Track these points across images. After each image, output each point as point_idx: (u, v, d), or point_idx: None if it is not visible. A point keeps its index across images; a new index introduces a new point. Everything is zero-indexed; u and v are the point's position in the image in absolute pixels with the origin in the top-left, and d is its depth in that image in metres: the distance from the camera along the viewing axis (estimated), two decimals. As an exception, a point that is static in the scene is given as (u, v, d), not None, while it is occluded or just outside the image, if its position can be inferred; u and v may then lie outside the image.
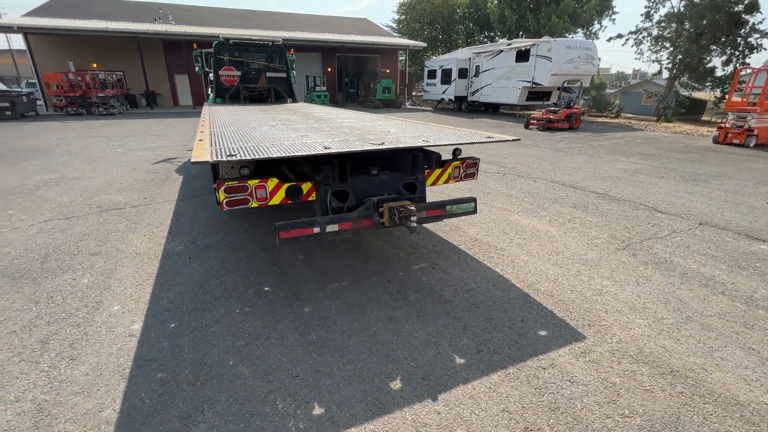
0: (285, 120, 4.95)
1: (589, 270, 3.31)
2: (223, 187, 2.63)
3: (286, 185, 2.85)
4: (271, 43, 9.96)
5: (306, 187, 2.94)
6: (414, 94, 34.70)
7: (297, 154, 2.49)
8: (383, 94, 24.12)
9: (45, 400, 1.90)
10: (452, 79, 21.10)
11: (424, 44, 29.47)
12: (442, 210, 3.06)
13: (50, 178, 6.50)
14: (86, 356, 2.21)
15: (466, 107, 21.37)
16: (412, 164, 3.09)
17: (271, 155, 2.44)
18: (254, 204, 2.77)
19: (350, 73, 29.09)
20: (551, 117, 13.25)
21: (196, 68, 10.76)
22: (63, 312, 2.64)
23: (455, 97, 21.41)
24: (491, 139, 3.23)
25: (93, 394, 1.94)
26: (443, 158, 3.48)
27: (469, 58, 20.59)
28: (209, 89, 10.96)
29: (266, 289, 2.98)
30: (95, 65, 20.67)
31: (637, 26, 25.46)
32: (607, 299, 2.86)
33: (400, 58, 30.33)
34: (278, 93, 9.91)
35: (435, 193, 5.39)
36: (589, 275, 3.22)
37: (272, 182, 2.79)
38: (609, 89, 32.96)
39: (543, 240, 3.95)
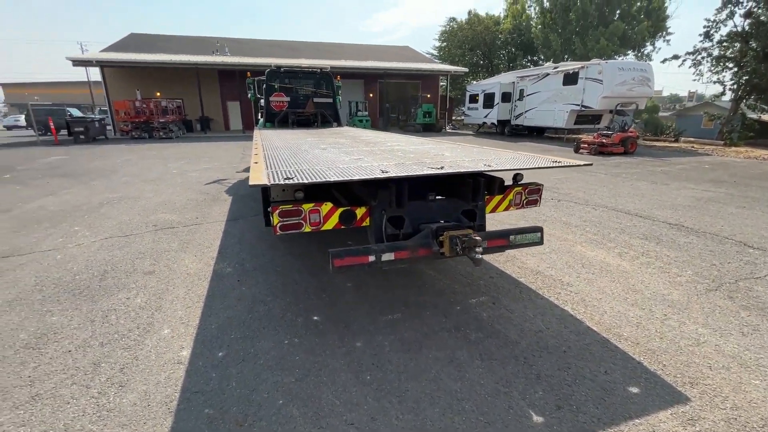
0: (334, 143, 4.95)
1: (678, 314, 2.87)
2: (277, 211, 2.55)
3: (340, 210, 2.73)
4: (319, 71, 10.32)
5: (360, 212, 2.81)
6: (453, 118, 34.72)
7: (355, 178, 2.38)
8: (424, 118, 24.30)
9: (92, 430, 1.82)
10: (495, 103, 20.86)
11: (466, 69, 29.65)
12: (506, 240, 2.80)
13: (113, 196, 6.91)
14: (135, 383, 2.14)
15: (509, 131, 20.96)
16: (473, 190, 2.88)
17: (328, 179, 2.34)
18: (307, 228, 2.67)
19: (391, 98, 29.73)
20: (604, 141, 12.58)
21: (249, 95, 11.32)
22: (116, 333, 2.63)
23: (498, 121, 21.09)
24: (559, 164, 2.97)
25: (140, 428, 1.83)
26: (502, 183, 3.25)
27: (513, 82, 20.32)
28: (259, 114, 11.49)
29: (315, 318, 2.83)
30: (158, 94, 22.54)
31: (695, 46, 24.14)
32: (707, 351, 2.43)
33: (441, 83, 30.63)
34: (324, 117, 10.17)
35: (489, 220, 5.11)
36: (679, 320, 2.78)
37: (326, 206, 2.69)
38: (662, 112, 31.21)
39: (615, 276, 3.54)
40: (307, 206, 2.63)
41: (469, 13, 35.76)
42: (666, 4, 25.71)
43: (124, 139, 19.61)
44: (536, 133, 21.08)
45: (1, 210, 6.09)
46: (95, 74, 23.07)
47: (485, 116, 22.19)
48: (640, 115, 22.42)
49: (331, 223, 2.74)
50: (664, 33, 26.82)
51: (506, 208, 3.28)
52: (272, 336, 2.60)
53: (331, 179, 2.33)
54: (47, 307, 2.99)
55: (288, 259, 3.99)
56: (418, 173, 2.51)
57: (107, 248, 4.31)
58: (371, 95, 27.88)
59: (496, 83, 21.05)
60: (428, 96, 27.89)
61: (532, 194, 3.36)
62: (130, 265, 3.81)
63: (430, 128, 24.52)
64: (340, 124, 10.43)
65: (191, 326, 2.72)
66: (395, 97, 30.02)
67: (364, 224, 2.86)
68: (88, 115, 26.10)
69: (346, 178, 2.35)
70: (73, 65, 20.87)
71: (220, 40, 28.68)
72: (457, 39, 35.34)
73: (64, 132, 19.20)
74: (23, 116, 30.19)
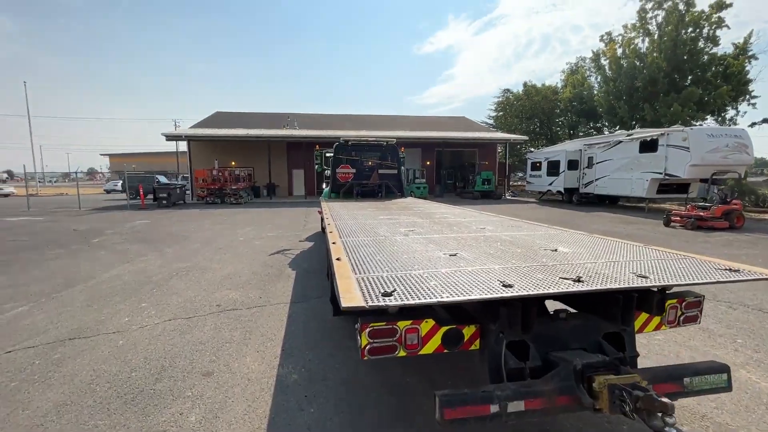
0: (412, 224, 4.52)
1: None
2: (367, 330, 2.02)
3: (443, 329, 2.14)
4: (385, 143, 10.45)
5: (468, 331, 2.19)
6: (511, 184, 33.95)
7: (474, 297, 1.80)
8: (483, 185, 23.91)
9: None
10: (561, 171, 20.00)
11: (526, 138, 29.46)
12: (678, 385, 1.98)
13: (182, 267, 6.96)
14: None
15: (577, 199, 19.70)
16: (624, 308, 2.16)
17: (439, 298, 1.79)
18: (402, 353, 2.09)
19: (447, 165, 30.01)
20: (702, 214, 11.03)
21: (316, 166, 11.82)
22: (161, 475, 2.11)
23: (565, 188, 20.03)
24: (740, 276, 2.18)
25: None
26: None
27: (580, 150, 19.52)
28: (324, 184, 11.79)
29: (406, 476, 2.11)
30: (234, 163, 24.71)
31: (789, 109, 21.89)
32: None
33: (499, 150, 30.56)
34: (389, 188, 10.06)
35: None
36: None
37: (427, 324, 2.11)
38: (748, 177, 27.79)
39: (832, 434, 2.43)
40: (403, 324, 2.07)
41: (525, 84, 36.57)
42: (747, 68, 24.18)
43: (199, 204, 21.26)
44: (608, 202, 19.59)
45: (84, 278, 6.29)
46: (183, 145, 26.10)
47: (550, 184, 21.24)
48: (725, 182, 20.08)
49: (431, 346, 2.13)
50: (748, 96, 24.88)
51: (657, 328, 2.47)
52: (353, 507, 1.91)
53: (444, 299, 1.79)
54: (95, 420, 2.60)
55: (359, 365, 3.37)
56: (554, 291, 1.88)
57: (168, 334, 4.03)
58: (428, 163, 28.32)
59: (562, 151, 20.36)
60: (486, 163, 27.72)
61: (690, 308, 2.53)
62: (188, 361, 3.42)
63: (488, 195, 23.93)
64: (403, 195, 10.24)
65: (250, 473, 2.13)
66: (451, 164, 30.29)
67: (472, 347, 2.22)
68: (172, 181, 29.16)
69: (463, 298, 1.79)
70: (166, 140, 23.81)
71: (290, 115, 31.55)
72: (514, 109, 35.79)
73: (151, 196, 21.29)
74: (120, 182, 34.59)
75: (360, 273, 2.24)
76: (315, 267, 6.92)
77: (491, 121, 39.33)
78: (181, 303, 5.04)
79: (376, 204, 7.89)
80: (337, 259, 2.58)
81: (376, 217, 5.33)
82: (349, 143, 10.17)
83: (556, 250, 2.91)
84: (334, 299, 3.06)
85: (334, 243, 3.19)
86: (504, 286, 1.97)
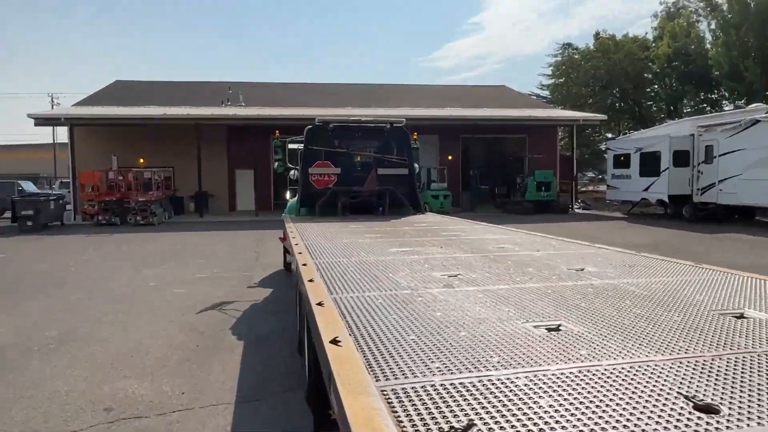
0: (451, 264, 4.05)
1: None
2: None
3: None
4: (388, 125, 10.09)
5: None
6: (579, 190, 33.89)
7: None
8: (538, 192, 23.72)
9: None
10: (662, 169, 19.89)
11: (603, 116, 29.45)
12: None
13: (51, 335, 6.53)
14: None
15: (690, 213, 19.49)
16: None
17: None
18: None
19: (479, 161, 29.82)
20: None
21: (275, 164, 11.32)
22: None
23: (669, 196, 19.90)
24: None
25: None
26: None
27: (691, 135, 19.46)
28: (288, 192, 11.39)
29: None
30: (142, 161, 24.33)
31: None
32: None
33: (561, 137, 30.55)
34: (396, 199, 9.63)
35: None
36: None
37: None
38: None
39: None
40: None
41: (597, 36, 36.94)
42: None
43: (87, 224, 20.87)
44: (737, 216, 19.38)
45: None
46: (63, 133, 25.75)
47: (645, 189, 21.08)
48: None
49: None
50: None
51: None
52: None
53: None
54: None
55: None
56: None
57: (14, 470, 3.46)
58: (450, 157, 28.08)
59: (664, 136, 20.34)
60: (541, 156, 27.42)
61: None
62: None
63: (546, 207, 23.77)
64: (420, 210, 9.82)
65: None
66: (485, 159, 30.18)
67: None
68: (46, 189, 28.70)
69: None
70: (35, 125, 23.44)
71: (233, 85, 31.38)
72: (582, 72, 36.08)
73: (8, 215, 20.72)
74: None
75: (386, 378, 1.71)
76: (275, 331, 6.57)
77: (545, 93, 39.67)
78: (45, 405, 4.51)
79: (378, 225, 7.49)
80: (334, 341, 2.06)
81: (385, 251, 4.91)
82: (330, 126, 9.83)
83: (744, 317, 2.42)
84: (314, 397, 2.77)
85: (320, 304, 2.68)
86: (697, 409, 1.46)
